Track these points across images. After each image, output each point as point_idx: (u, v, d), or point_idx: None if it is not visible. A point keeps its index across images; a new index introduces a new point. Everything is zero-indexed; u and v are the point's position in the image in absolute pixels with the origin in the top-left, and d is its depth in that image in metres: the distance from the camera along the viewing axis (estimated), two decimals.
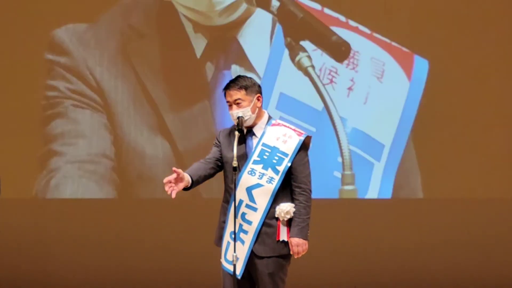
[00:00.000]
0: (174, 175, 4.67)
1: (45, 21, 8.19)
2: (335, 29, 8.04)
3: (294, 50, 8.03)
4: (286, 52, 8.02)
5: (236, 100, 4.76)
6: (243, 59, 8.11)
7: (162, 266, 8.01)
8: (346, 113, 7.99)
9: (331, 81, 8.00)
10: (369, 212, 8.04)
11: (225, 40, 8.13)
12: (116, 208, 8.14)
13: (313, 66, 8.01)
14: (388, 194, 8.00)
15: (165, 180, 4.67)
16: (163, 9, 8.16)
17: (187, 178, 4.71)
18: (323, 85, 8.00)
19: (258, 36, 8.12)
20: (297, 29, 8.05)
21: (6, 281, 7.94)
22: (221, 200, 4.92)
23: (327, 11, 8.08)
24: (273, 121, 4.83)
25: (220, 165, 4.87)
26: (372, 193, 7.99)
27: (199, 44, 8.14)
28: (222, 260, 4.77)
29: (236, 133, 4.74)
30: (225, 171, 4.82)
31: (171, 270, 7.95)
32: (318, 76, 7.98)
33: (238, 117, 4.74)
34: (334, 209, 8.00)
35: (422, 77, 8.01)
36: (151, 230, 8.07)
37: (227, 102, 4.78)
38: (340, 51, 8.05)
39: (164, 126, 8.12)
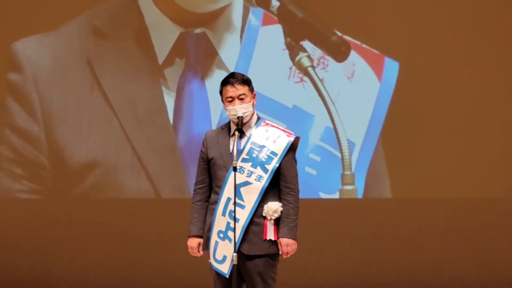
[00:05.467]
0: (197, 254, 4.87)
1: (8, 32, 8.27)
2: None
3: (294, 50, 8.02)
4: (257, 49, 8.01)
5: (240, 95, 4.74)
6: (213, 55, 8.12)
7: (162, 266, 8.02)
8: (317, 111, 7.98)
9: (301, 79, 8.00)
10: (367, 212, 8.04)
11: (195, 35, 8.12)
12: (115, 207, 8.16)
13: (313, 66, 8.01)
14: (359, 194, 8.01)
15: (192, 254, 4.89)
16: (128, 12, 8.20)
17: (200, 241, 4.84)
18: (323, 85, 8.00)
19: (229, 31, 8.13)
20: (297, 29, 8.05)
21: (5, 281, 7.98)
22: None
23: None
24: (262, 121, 4.84)
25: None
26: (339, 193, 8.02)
27: (163, 46, 8.15)
28: (212, 261, 4.76)
29: (236, 132, 4.74)
30: (213, 171, 4.81)
31: (171, 269, 7.96)
32: (318, 76, 7.99)
33: (238, 117, 4.73)
34: (333, 209, 8.03)
35: (392, 79, 8.02)
36: (151, 230, 8.09)
37: (230, 97, 4.74)
38: (340, 51, 8.04)
39: (120, 129, 8.12)
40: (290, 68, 8.01)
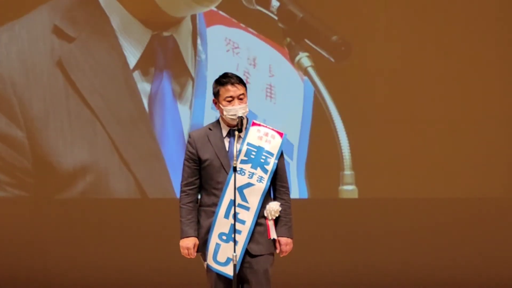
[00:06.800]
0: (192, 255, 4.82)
1: None
2: (236, 31, 8.07)
3: (293, 50, 8.03)
4: (209, 51, 8.04)
5: (240, 95, 4.75)
6: (180, 59, 8.09)
7: (162, 265, 8.03)
8: (261, 112, 7.99)
9: (247, 81, 8.01)
10: (367, 211, 8.05)
11: (164, 38, 8.09)
12: (115, 207, 8.17)
13: (313, 66, 8.02)
14: (304, 194, 8.04)
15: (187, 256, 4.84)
16: (91, 11, 8.12)
17: (196, 242, 4.80)
18: (323, 85, 8.01)
19: (189, 35, 8.12)
20: (297, 29, 8.06)
21: (5, 280, 7.99)
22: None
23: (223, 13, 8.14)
24: (251, 121, 4.85)
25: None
26: (294, 192, 7.95)
27: (134, 49, 8.09)
28: (211, 262, 4.76)
29: (237, 133, 4.75)
30: (207, 173, 4.79)
31: (171, 269, 7.96)
32: (318, 76, 8.00)
33: (239, 117, 4.73)
34: (333, 209, 8.04)
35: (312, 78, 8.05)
36: (151, 229, 8.10)
37: (230, 97, 4.74)
38: (340, 51, 8.05)
39: (105, 134, 8.10)
40: (237, 70, 7.99)
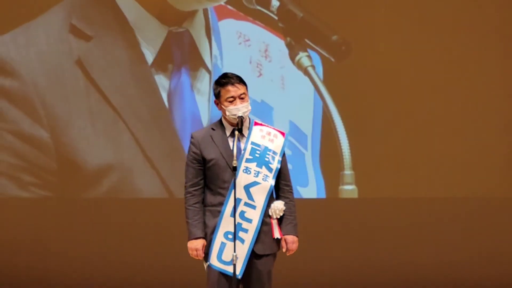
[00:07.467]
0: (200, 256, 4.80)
1: None
2: (246, 24, 8.09)
3: (294, 50, 8.04)
4: (227, 48, 8.06)
5: (241, 94, 4.74)
6: (197, 54, 8.10)
7: (162, 264, 8.03)
8: (276, 103, 8.02)
9: (260, 74, 8.02)
10: (367, 211, 8.06)
11: (180, 34, 8.10)
12: (116, 206, 8.16)
13: (313, 66, 8.03)
14: (321, 182, 8.04)
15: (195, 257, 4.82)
16: (106, 9, 8.11)
17: (204, 243, 4.78)
18: (323, 84, 8.02)
19: (203, 30, 8.14)
20: (297, 28, 8.06)
21: (6, 279, 7.99)
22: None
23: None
24: (253, 121, 4.86)
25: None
26: (312, 186, 8.00)
27: (151, 46, 8.10)
28: (214, 262, 4.74)
29: (237, 132, 4.74)
30: (213, 172, 4.78)
31: (171, 268, 7.96)
32: (318, 76, 8.01)
33: (239, 117, 4.72)
34: (334, 208, 8.04)
35: (318, 69, 8.05)
36: (152, 229, 8.09)
37: (231, 97, 4.73)
38: (340, 50, 8.06)
39: (128, 133, 8.09)
40: (250, 63, 8.01)
